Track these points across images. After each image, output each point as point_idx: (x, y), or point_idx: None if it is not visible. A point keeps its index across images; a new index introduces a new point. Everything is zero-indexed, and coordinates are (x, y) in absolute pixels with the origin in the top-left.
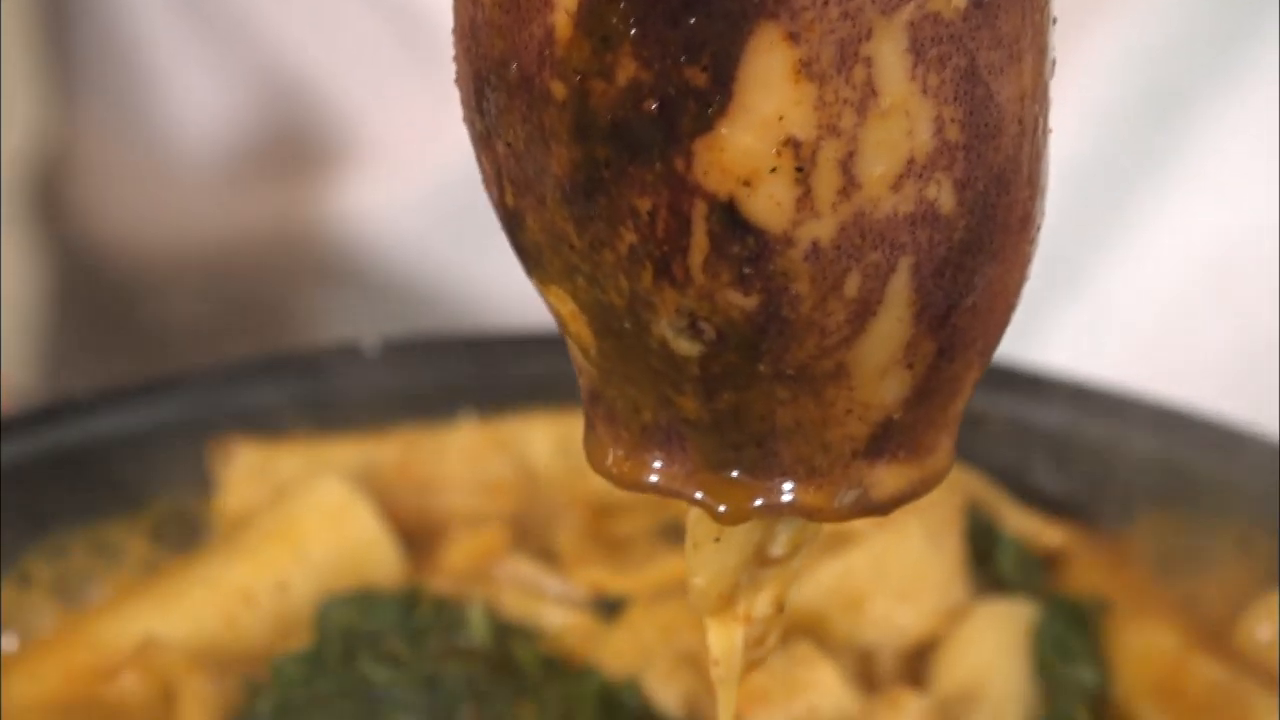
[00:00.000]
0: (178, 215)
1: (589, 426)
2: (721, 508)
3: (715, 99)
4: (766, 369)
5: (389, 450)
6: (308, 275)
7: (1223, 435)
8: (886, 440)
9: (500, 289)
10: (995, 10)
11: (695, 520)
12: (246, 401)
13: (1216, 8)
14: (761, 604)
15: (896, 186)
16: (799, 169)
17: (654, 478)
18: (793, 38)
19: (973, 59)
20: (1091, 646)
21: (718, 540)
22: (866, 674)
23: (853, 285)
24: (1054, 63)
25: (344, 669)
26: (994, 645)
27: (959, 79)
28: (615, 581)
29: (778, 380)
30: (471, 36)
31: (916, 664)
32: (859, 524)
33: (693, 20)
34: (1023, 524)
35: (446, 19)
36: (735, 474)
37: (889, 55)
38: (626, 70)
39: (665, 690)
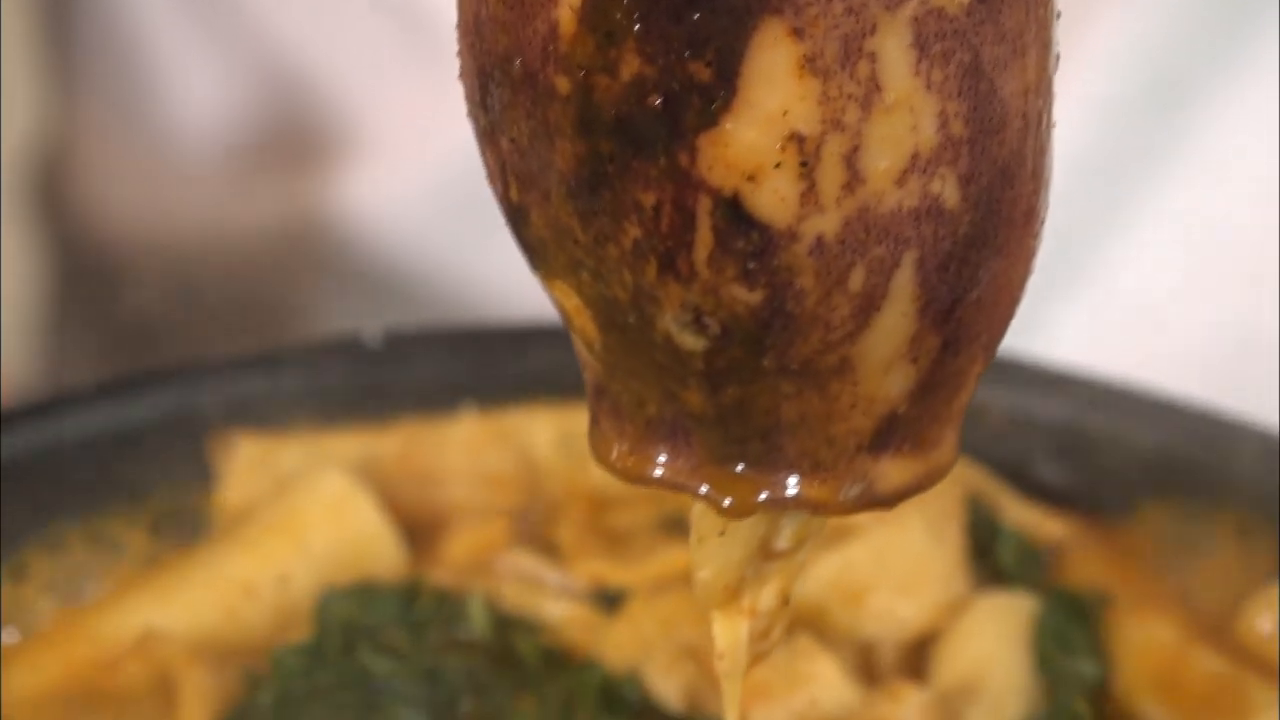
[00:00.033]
0: (178, 210)
1: (594, 421)
2: (726, 502)
3: (719, 94)
4: (771, 364)
5: (390, 443)
6: (309, 269)
7: (1224, 428)
8: (891, 434)
9: (501, 282)
10: (999, 5)
11: (700, 514)
12: (247, 394)
13: (1217, 1)
14: (766, 597)
15: (901, 181)
16: (803, 164)
17: (659, 472)
18: (797, 33)
19: (976, 54)
20: (1092, 639)
21: (722, 534)
22: (867, 667)
23: (857, 280)
24: (1058, 57)
25: (344, 661)
26: (994, 638)
27: (963, 74)
28: (616, 574)
29: (782, 375)
30: (475, 32)
31: (917, 657)
32: (860, 517)
33: (696, 16)
34: (1023, 516)
35: (447, 13)
36: (740, 468)
37: (893, 51)
38: (630, 66)
39: (666, 682)
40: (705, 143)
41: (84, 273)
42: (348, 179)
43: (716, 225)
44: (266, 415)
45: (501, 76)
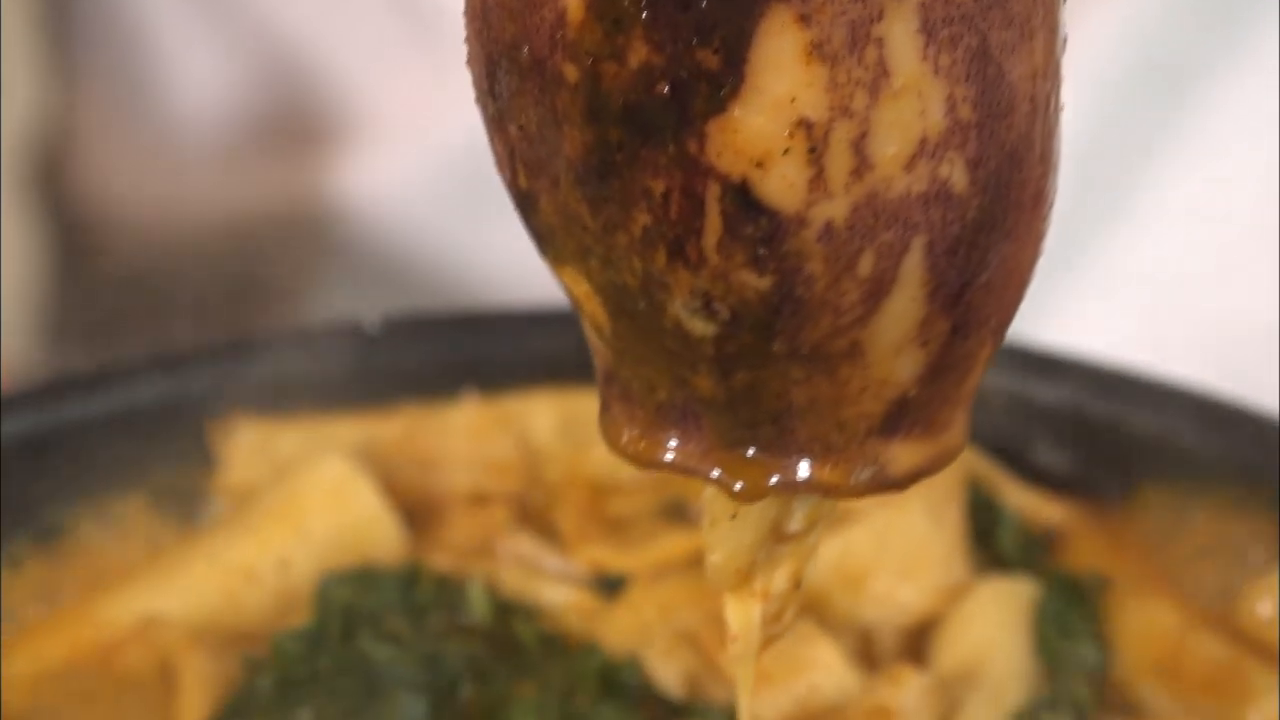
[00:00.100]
0: (179, 193)
1: (604, 406)
2: (738, 485)
3: (727, 81)
4: (781, 348)
5: (390, 428)
6: (309, 253)
7: (1224, 412)
8: (901, 417)
9: (501, 267)
10: None
11: (711, 498)
12: (247, 379)
13: None
14: (779, 580)
15: (909, 166)
16: (812, 150)
17: (670, 456)
18: (804, 20)
19: (984, 38)
20: (1092, 624)
21: (734, 517)
22: (867, 652)
23: (866, 265)
24: (1065, 40)
25: (344, 646)
26: (995, 623)
27: (971, 58)
28: (616, 560)
29: (792, 359)
30: (483, 19)
31: (917, 642)
32: (860, 500)
33: (704, 3)
34: (1024, 501)
35: None
36: (751, 452)
37: (900, 36)
38: (638, 53)
39: (665, 668)
40: (714, 129)
41: (84, 258)
42: (348, 165)
43: (725, 211)
44: (267, 400)
45: (509, 64)
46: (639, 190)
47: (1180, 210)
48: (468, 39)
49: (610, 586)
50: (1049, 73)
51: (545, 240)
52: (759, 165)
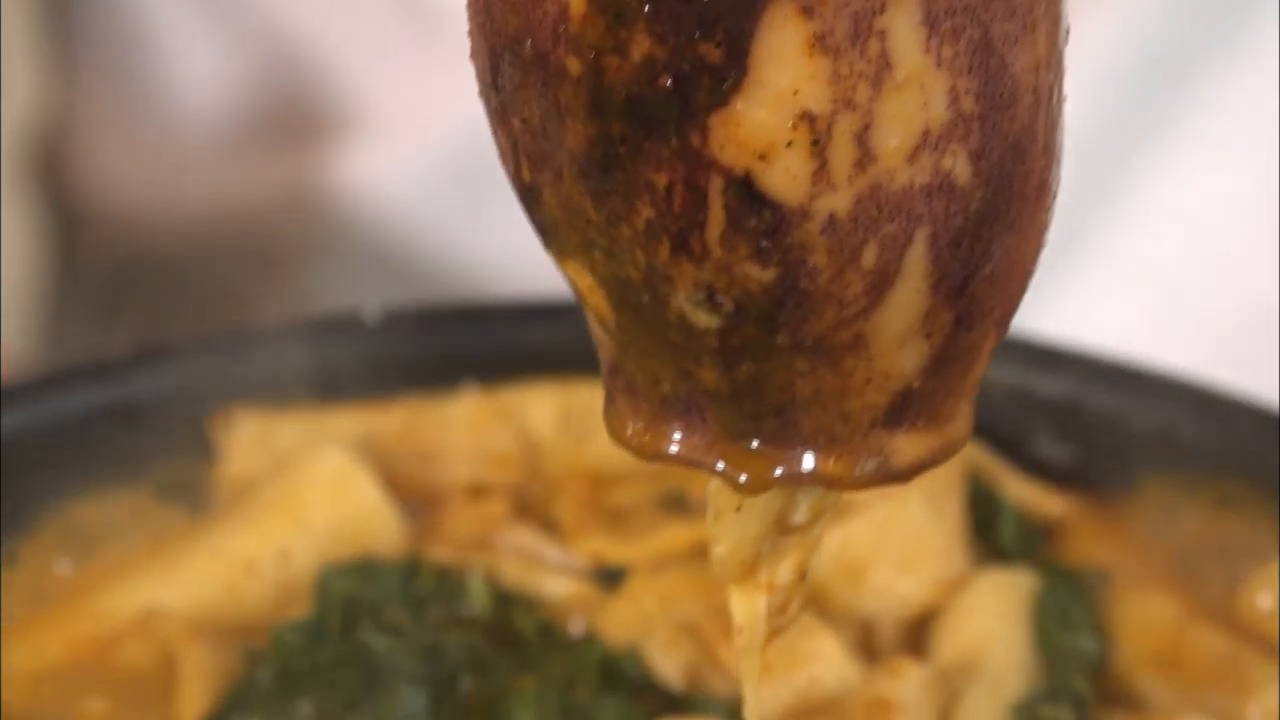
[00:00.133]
0: (179, 185)
1: (609, 399)
2: (742, 478)
3: (730, 74)
4: (785, 341)
5: (390, 420)
6: (308, 245)
7: (1224, 404)
8: (906, 409)
9: (501, 259)
10: None
11: (716, 490)
12: (248, 370)
13: None
14: (784, 572)
15: (912, 158)
16: (815, 142)
17: (674, 449)
18: (807, 12)
19: (987, 30)
20: (1092, 615)
21: (739, 510)
22: (867, 644)
23: (870, 257)
24: (1068, 31)
25: (344, 638)
26: (994, 615)
27: (973, 50)
28: (616, 551)
29: (796, 351)
30: (486, 13)
31: (917, 634)
32: (860, 493)
33: None
34: (1024, 493)
35: None
36: (755, 444)
37: (903, 28)
38: (641, 46)
39: (666, 660)
40: (716, 123)
41: (84, 251)
42: (348, 156)
43: (729, 204)
44: (267, 392)
45: (512, 58)
46: (642, 183)
47: (1181, 203)
48: (471, 33)
49: (610, 578)
50: (1052, 64)
51: (549, 233)
52: (762, 158)
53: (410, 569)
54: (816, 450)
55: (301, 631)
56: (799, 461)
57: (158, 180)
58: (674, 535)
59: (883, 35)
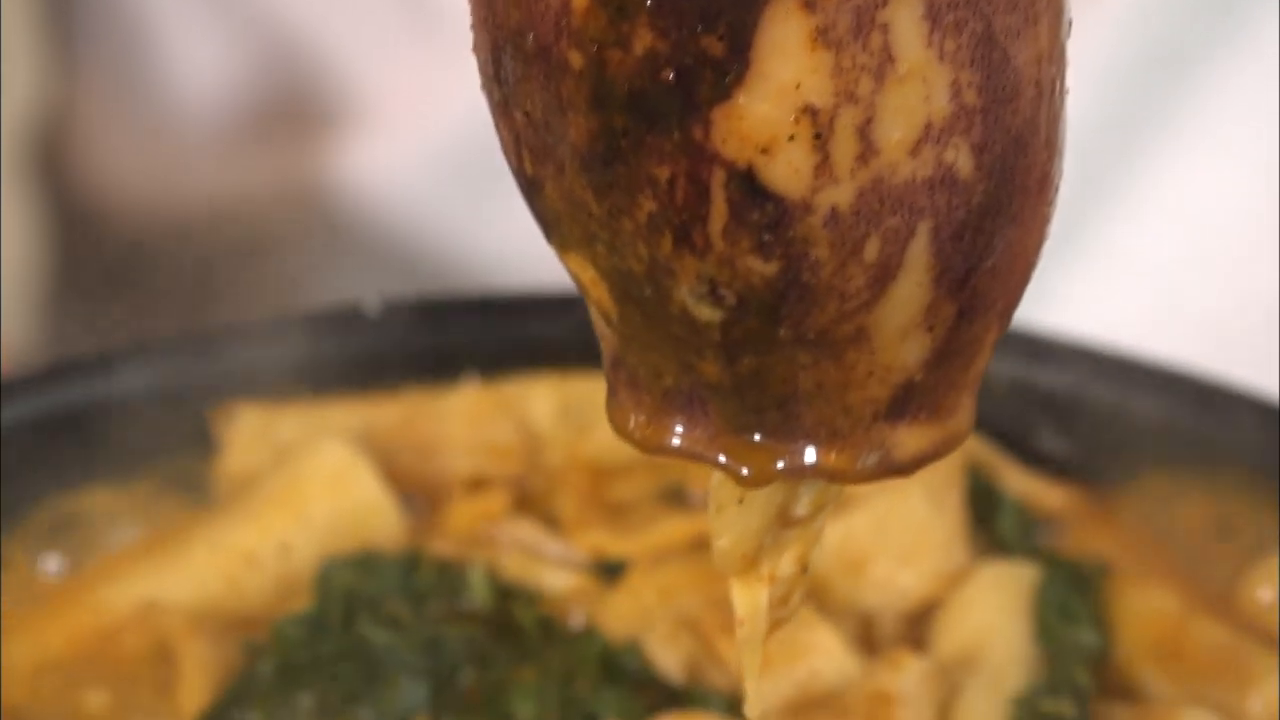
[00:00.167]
0: (179, 177)
1: (611, 392)
2: (744, 471)
3: (732, 68)
4: (787, 334)
5: (390, 413)
6: (308, 237)
7: (1225, 397)
8: (908, 402)
9: (501, 251)
10: None
11: (718, 483)
12: (247, 363)
13: None
14: (785, 564)
15: (914, 152)
16: (817, 136)
17: (677, 442)
18: (809, 5)
19: (989, 23)
20: (1092, 608)
21: (740, 502)
22: (867, 637)
23: (872, 250)
24: (1071, 23)
25: (345, 631)
26: (995, 607)
27: (975, 43)
28: (616, 544)
29: (798, 345)
30: (488, 6)
31: (917, 627)
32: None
33: None
34: (1024, 486)
35: None
36: (757, 437)
37: (905, 21)
38: (643, 40)
39: (666, 653)
40: (719, 116)
41: (85, 243)
42: (348, 149)
43: (731, 198)
44: (267, 385)
45: (514, 51)
46: (644, 177)
47: (1181, 198)
48: (473, 26)
49: (611, 571)
50: (1054, 57)
51: (551, 226)
52: (764, 151)
53: (411, 562)
54: (818, 443)
55: (302, 624)
56: (801, 455)
57: (158, 174)
58: (674, 528)
59: (885, 29)
